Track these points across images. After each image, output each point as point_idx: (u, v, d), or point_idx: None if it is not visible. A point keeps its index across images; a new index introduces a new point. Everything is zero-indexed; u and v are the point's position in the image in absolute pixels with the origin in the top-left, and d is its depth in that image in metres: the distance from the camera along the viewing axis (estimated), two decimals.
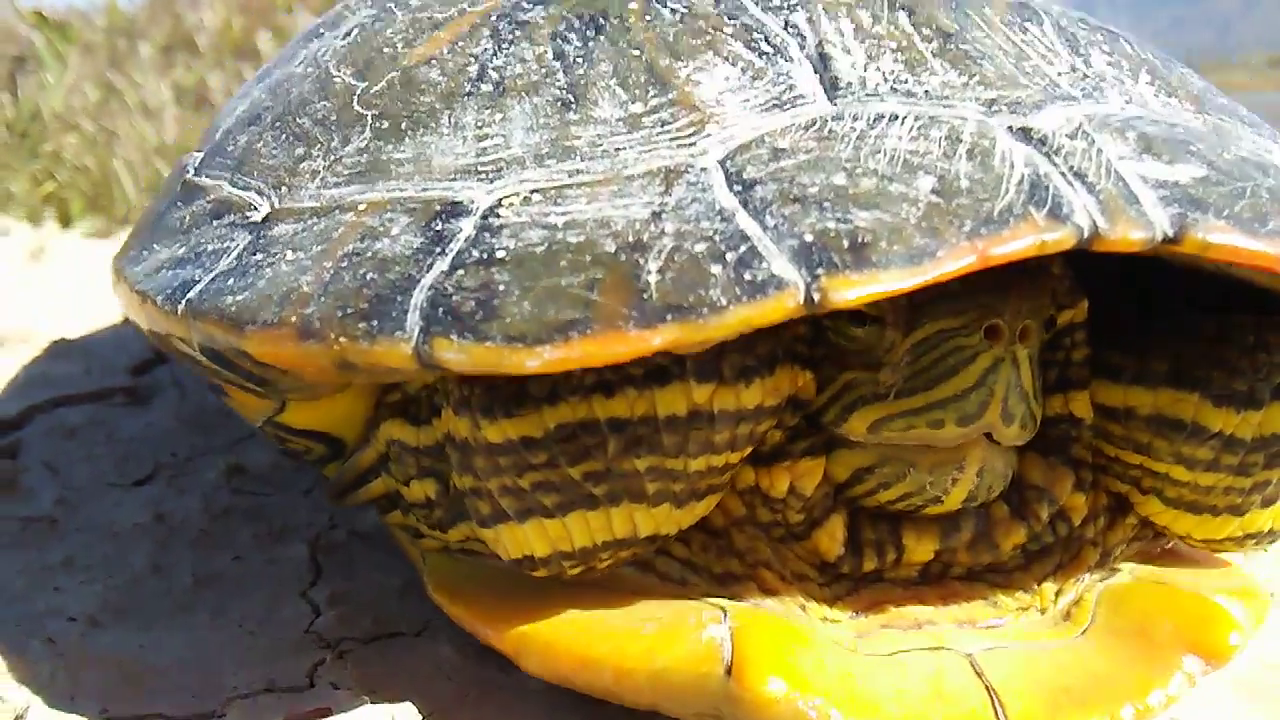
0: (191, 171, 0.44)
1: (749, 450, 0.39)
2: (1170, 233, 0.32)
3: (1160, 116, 0.38)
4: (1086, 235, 0.32)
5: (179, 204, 0.43)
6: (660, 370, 0.36)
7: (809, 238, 0.30)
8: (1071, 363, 0.42)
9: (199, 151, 0.47)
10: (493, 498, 0.38)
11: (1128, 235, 0.32)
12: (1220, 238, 0.32)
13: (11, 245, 1.00)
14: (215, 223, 0.40)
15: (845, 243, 0.30)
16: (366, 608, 0.47)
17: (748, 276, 0.30)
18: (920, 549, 0.41)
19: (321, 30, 0.49)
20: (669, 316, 0.29)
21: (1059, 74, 0.39)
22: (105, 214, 2.01)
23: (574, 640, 0.38)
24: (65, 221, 1.95)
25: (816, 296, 0.29)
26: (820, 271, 0.30)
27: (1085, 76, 0.40)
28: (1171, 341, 0.42)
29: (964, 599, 0.42)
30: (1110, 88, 0.40)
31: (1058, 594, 0.42)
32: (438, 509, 0.41)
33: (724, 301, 0.29)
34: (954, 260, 0.30)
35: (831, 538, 0.41)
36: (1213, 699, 0.43)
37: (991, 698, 0.38)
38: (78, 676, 0.41)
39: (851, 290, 0.29)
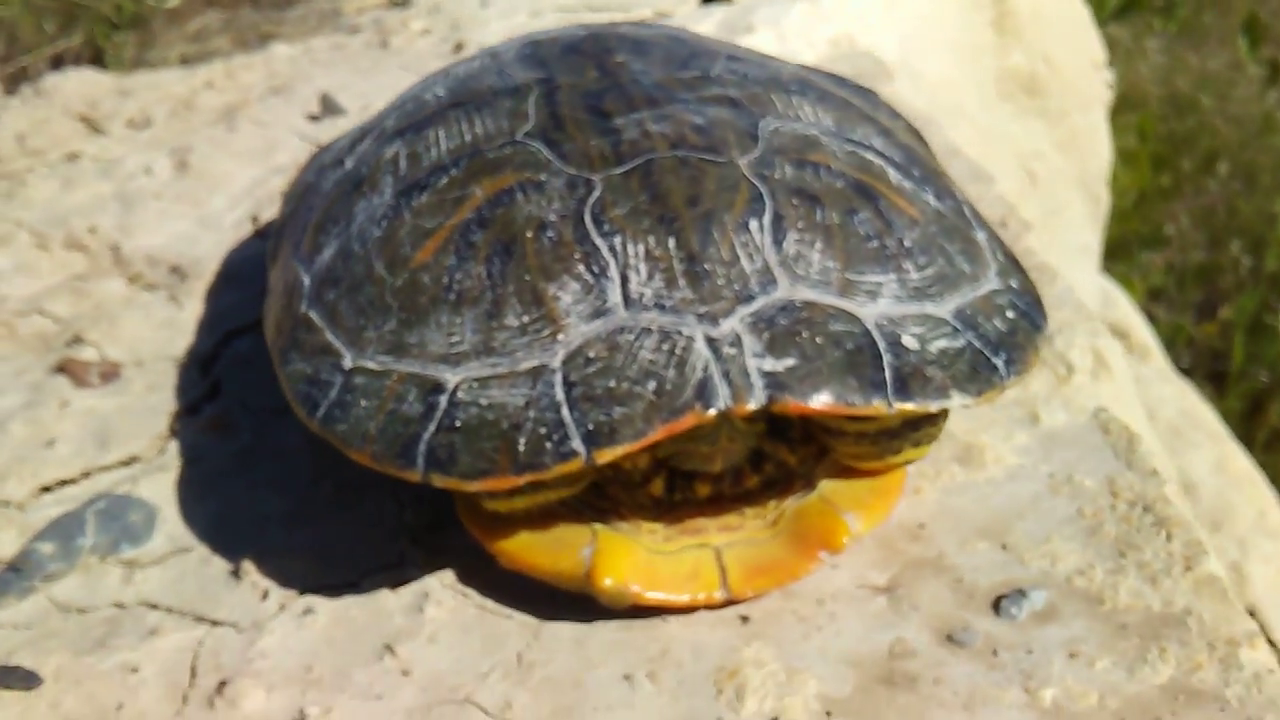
0: (305, 305, 0.82)
1: None
2: (765, 403, 0.69)
3: (793, 299, 0.73)
4: (725, 410, 0.69)
5: (303, 330, 0.81)
6: None
7: (590, 427, 0.68)
8: None
9: (304, 273, 0.84)
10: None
11: (744, 408, 0.69)
12: (790, 404, 0.69)
13: (163, 157, 1.36)
14: (322, 358, 0.78)
15: (606, 430, 0.68)
16: (430, 504, 0.88)
17: (561, 449, 0.68)
18: (703, 489, 0.81)
19: (364, 188, 0.84)
20: (527, 470, 0.68)
21: (751, 272, 0.74)
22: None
23: (521, 551, 0.79)
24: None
25: (590, 459, 0.68)
26: (592, 446, 0.68)
27: (768, 270, 0.74)
28: None
29: (725, 514, 0.81)
30: (783, 273, 0.74)
31: (776, 507, 0.82)
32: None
33: (549, 463, 0.68)
34: (655, 435, 0.68)
35: (657, 487, 0.80)
36: (861, 547, 0.83)
37: (721, 573, 0.78)
38: (286, 560, 0.84)
39: (605, 456, 0.68)
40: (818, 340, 0.72)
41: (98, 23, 2.21)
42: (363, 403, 0.74)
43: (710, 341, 0.71)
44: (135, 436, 0.95)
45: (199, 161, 1.36)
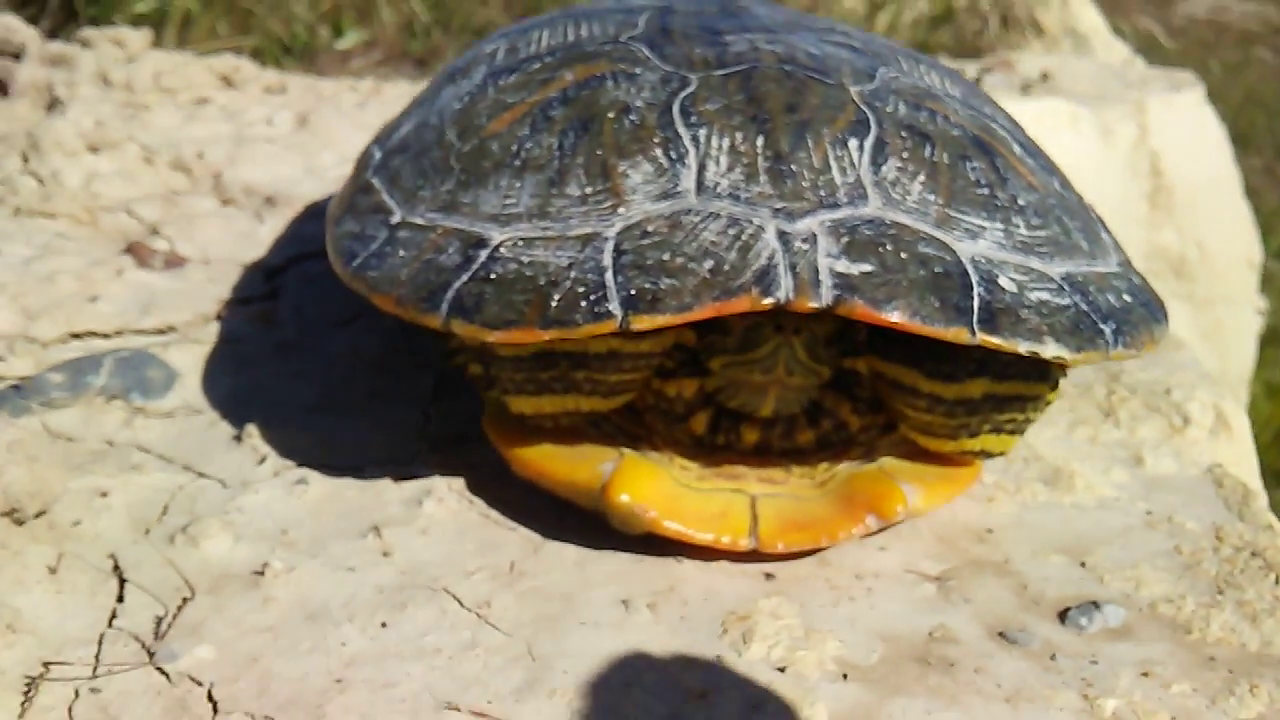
0: (370, 173, 0.78)
1: (650, 372, 0.71)
2: (830, 304, 0.61)
3: (883, 217, 0.66)
4: (783, 303, 0.61)
5: (361, 194, 0.77)
6: None
7: (633, 292, 0.61)
8: (857, 341, 0.72)
9: (378, 150, 0.80)
10: (503, 382, 0.71)
11: (805, 304, 0.61)
12: (859, 308, 0.61)
13: (287, 112, 1.37)
14: (373, 216, 0.73)
15: (649, 297, 0.61)
16: (456, 419, 0.81)
17: (595, 310, 0.61)
18: (750, 435, 0.73)
19: (456, 77, 0.81)
20: (554, 325, 0.61)
21: (842, 184, 0.67)
22: (370, 28, 2.43)
23: (538, 458, 0.71)
24: (338, 31, 2.35)
25: (626, 325, 0.61)
26: (630, 312, 0.61)
27: (861, 186, 0.67)
28: (914, 338, 0.71)
29: (770, 467, 0.73)
30: (876, 193, 0.67)
31: (826, 470, 0.73)
32: (481, 380, 0.75)
33: (580, 321, 0.61)
34: (702, 312, 0.61)
35: (699, 423, 0.73)
36: (916, 537, 0.73)
37: (753, 520, 0.69)
38: (294, 436, 0.78)
39: (641, 324, 0.61)
40: (902, 255, 0.64)
41: (270, 41, 2.30)
42: (401, 253, 0.69)
43: (782, 235, 0.64)
44: (178, 311, 0.91)
45: (320, 121, 1.36)
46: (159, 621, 0.62)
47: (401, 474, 0.75)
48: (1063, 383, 0.84)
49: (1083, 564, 0.72)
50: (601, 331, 0.61)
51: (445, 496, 0.73)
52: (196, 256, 1.02)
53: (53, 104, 1.34)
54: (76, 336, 0.86)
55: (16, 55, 1.45)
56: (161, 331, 0.88)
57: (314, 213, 1.13)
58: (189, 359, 0.85)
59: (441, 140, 0.74)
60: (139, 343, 0.86)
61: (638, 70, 0.73)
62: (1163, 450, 0.84)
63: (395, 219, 0.72)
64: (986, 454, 0.74)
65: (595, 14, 0.83)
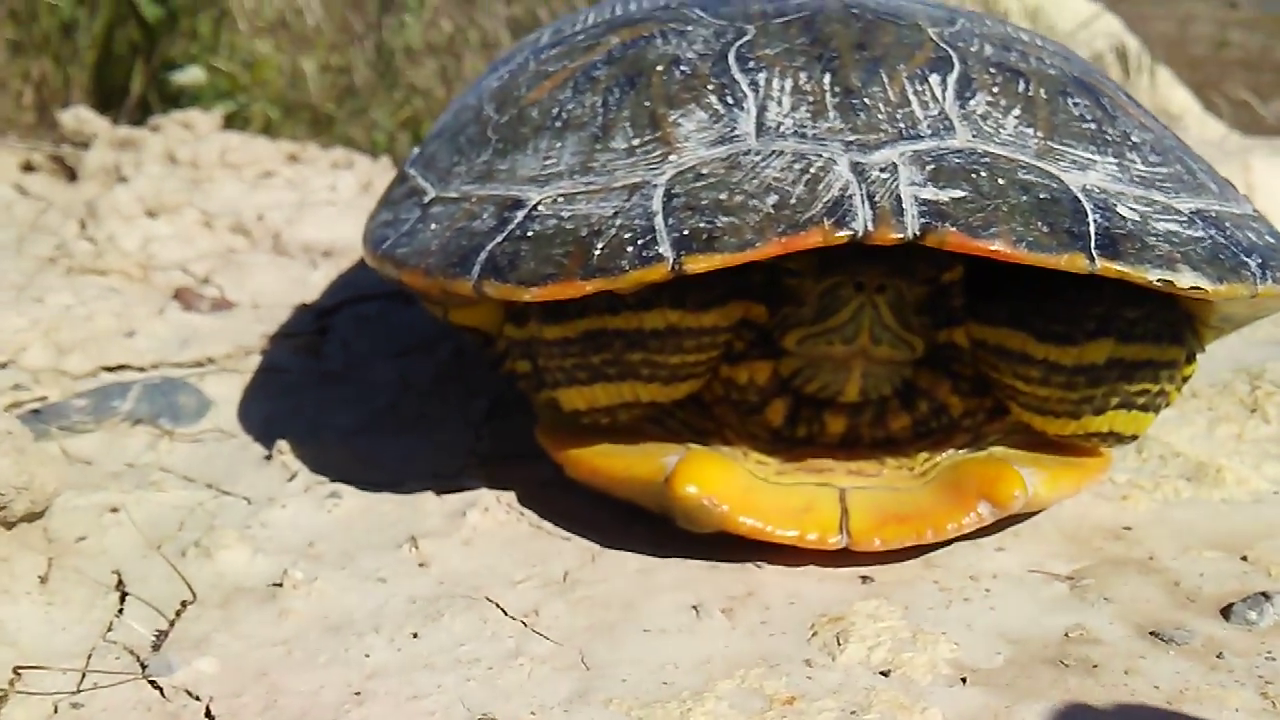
0: (408, 165, 0.72)
1: (715, 353, 0.62)
2: (917, 233, 0.52)
3: (974, 148, 0.57)
4: (860, 235, 0.53)
5: (397, 185, 0.70)
6: (646, 299, 0.60)
7: (686, 232, 0.53)
8: (952, 308, 0.62)
9: (417, 148, 0.74)
10: (552, 373, 0.63)
11: (887, 235, 0.52)
12: (947, 237, 0.52)
13: (352, 177, 1.34)
14: (406, 201, 0.67)
15: (704, 236, 0.53)
16: (509, 440, 0.73)
17: (645, 254, 0.53)
18: (835, 424, 0.63)
19: (498, 65, 0.75)
20: (597, 275, 0.53)
21: (925, 117, 0.59)
22: None
23: (594, 457, 0.63)
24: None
25: (678, 267, 0.52)
26: (683, 253, 0.53)
27: (946, 118, 0.59)
28: (1020, 296, 0.61)
29: (861, 459, 0.63)
30: (964, 126, 0.59)
31: (927, 460, 0.63)
32: (531, 379, 0.67)
33: (627, 267, 0.53)
34: (766, 250, 0.52)
35: (776, 413, 0.63)
36: (1039, 536, 0.62)
37: (843, 514, 0.60)
38: (331, 455, 0.70)
39: (697, 265, 0.52)
40: (1000, 181, 0.55)
41: (351, 148, 2.31)
42: (433, 227, 0.62)
43: (856, 166, 0.55)
44: (219, 345, 0.85)
45: (383, 184, 1.32)
46: (159, 635, 0.54)
47: (445, 488, 0.67)
48: (1196, 381, 0.74)
49: (1244, 558, 0.60)
50: (651, 277, 0.53)
51: (492, 507, 0.64)
52: (246, 301, 0.97)
53: (118, 182, 1.32)
54: (109, 370, 0.80)
55: (88, 145, 1.45)
56: (199, 364, 0.83)
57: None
58: (225, 388, 0.79)
59: (479, 116, 0.68)
60: (176, 376, 0.80)
61: (689, 27, 0.66)
62: None
63: (429, 198, 0.65)
64: (1116, 437, 0.63)
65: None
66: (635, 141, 0.60)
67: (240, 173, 1.36)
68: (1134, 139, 0.62)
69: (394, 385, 0.82)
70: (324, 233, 1.16)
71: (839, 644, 0.52)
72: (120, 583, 0.57)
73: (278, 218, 1.20)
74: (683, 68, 0.63)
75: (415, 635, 0.54)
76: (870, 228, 0.53)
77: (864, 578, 0.59)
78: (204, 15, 1.98)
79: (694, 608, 0.56)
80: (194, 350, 0.84)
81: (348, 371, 0.84)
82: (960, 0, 1.61)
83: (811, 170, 0.55)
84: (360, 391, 0.80)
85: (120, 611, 0.55)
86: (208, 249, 1.12)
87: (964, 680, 0.50)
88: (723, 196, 0.55)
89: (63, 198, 1.22)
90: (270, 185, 1.32)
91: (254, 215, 1.19)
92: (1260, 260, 0.56)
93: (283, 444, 0.70)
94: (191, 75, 1.84)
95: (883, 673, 0.51)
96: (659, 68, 0.63)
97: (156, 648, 0.52)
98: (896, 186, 0.54)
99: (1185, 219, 0.57)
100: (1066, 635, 0.54)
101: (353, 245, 1.12)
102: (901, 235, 0.53)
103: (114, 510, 0.62)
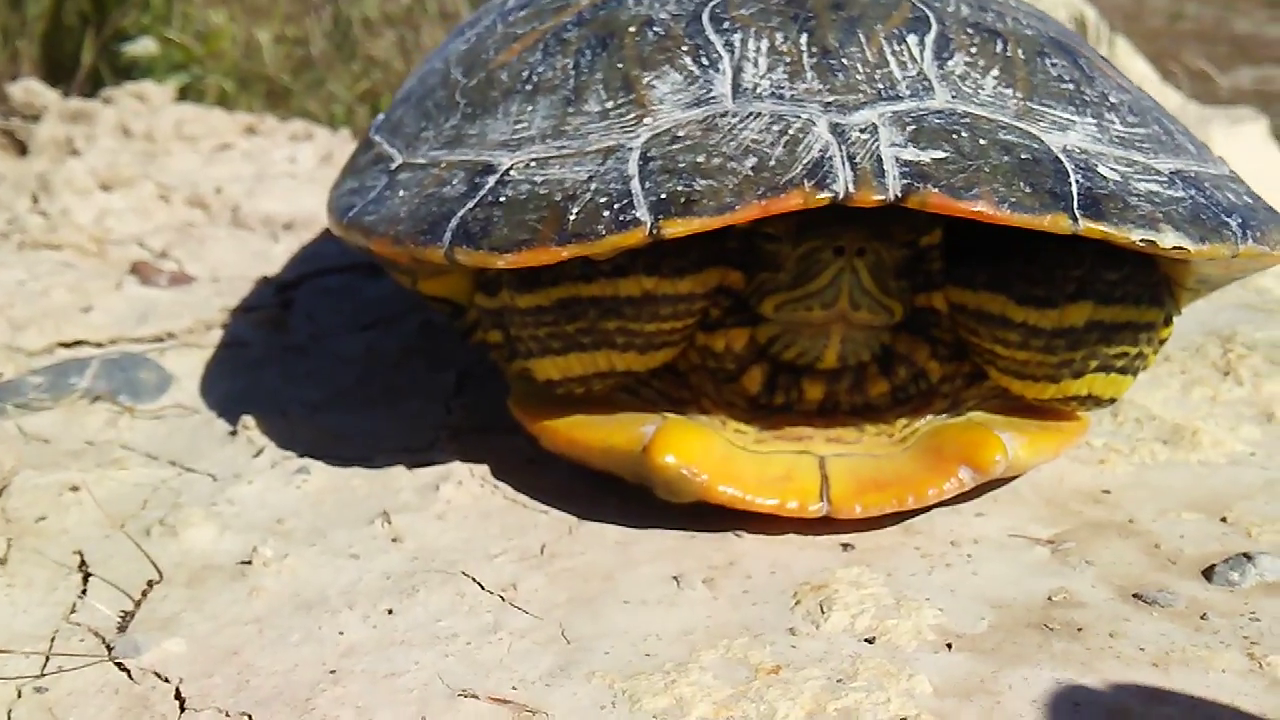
0: (373, 131, 0.70)
1: (691, 320, 0.61)
2: (899, 195, 0.52)
3: (954, 109, 0.56)
4: (841, 197, 0.51)
5: (362, 152, 0.69)
6: (621, 266, 0.58)
7: (663, 196, 0.52)
8: (930, 271, 0.61)
9: (382, 115, 0.72)
10: (525, 342, 0.62)
11: (868, 197, 0.51)
12: (929, 199, 0.51)
13: (311, 149, 1.31)
14: (373, 168, 0.65)
15: (682, 200, 0.52)
16: (481, 413, 0.72)
17: (621, 218, 0.52)
18: (813, 391, 0.62)
19: (464, 29, 0.73)
20: (572, 240, 0.52)
21: (903, 78, 0.57)
22: None
23: (570, 428, 0.61)
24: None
25: (656, 231, 0.51)
26: (660, 217, 0.51)
27: (925, 79, 0.58)
28: (1000, 259, 0.60)
29: (839, 426, 0.62)
30: (944, 87, 0.58)
31: (906, 426, 0.62)
32: (503, 349, 0.65)
33: (603, 232, 0.52)
34: (745, 213, 0.51)
35: (753, 380, 0.62)
36: (1019, 500, 0.62)
37: (823, 482, 0.59)
38: (298, 430, 0.69)
39: (675, 229, 0.51)
40: (981, 142, 0.54)
41: (309, 121, 2.27)
42: (401, 194, 0.60)
43: (835, 127, 0.54)
44: (178, 319, 0.83)
45: (345, 157, 1.29)
46: (125, 616, 0.52)
47: (416, 462, 0.65)
48: (1169, 345, 0.74)
49: (1223, 519, 0.60)
50: (629, 242, 0.52)
51: (466, 481, 0.63)
52: (205, 275, 0.95)
53: (70, 155, 1.29)
54: (65, 345, 0.78)
55: (38, 118, 1.41)
56: (159, 339, 0.80)
57: (330, 236, 1.06)
58: (186, 363, 0.77)
59: (447, 81, 0.66)
60: (135, 351, 0.78)
61: None
62: None
63: (396, 164, 0.63)
64: (1095, 401, 0.63)
65: None
66: (609, 104, 0.58)
67: (196, 145, 1.33)
68: (1112, 99, 0.61)
69: (360, 359, 0.80)
70: (284, 205, 1.14)
71: (822, 612, 0.52)
72: (83, 563, 0.56)
73: (236, 190, 1.17)
74: (656, 28, 0.61)
75: (390, 612, 0.52)
76: (851, 189, 0.52)
77: (845, 545, 0.58)
78: None
79: (675, 578, 0.55)
80: (153, 325, 0.81)
81: (312, 345, 0.82)
82: None
83: (790, 132, 0.54)
84: (326, 365, 0.79)
85: (84, 593, 0.53)
86: (164, 222, 1.10)
87: (949, 646, 0.50)
88: (700, 159, 0.53)
89: (14, 172, 1.19)
90: (228, 158, 1.29)
91: (212, 188, 1.17)
92: (1240, 220, 0.56)
93: (247, 419, 0.68)
94: (143, 46, 1.79)
95: (867, 640, 0.50)
96: (631, 29, 0.62)
97: (123, 629, 0.51)
98: (877, 147, 0.53)
99: (1165, 179, 0.56)
100: (1050, 599, 0.53)
101: (314, 218, 1.09)
102: (883, 197, 0.52)
103: (74, 489, 0.60)
